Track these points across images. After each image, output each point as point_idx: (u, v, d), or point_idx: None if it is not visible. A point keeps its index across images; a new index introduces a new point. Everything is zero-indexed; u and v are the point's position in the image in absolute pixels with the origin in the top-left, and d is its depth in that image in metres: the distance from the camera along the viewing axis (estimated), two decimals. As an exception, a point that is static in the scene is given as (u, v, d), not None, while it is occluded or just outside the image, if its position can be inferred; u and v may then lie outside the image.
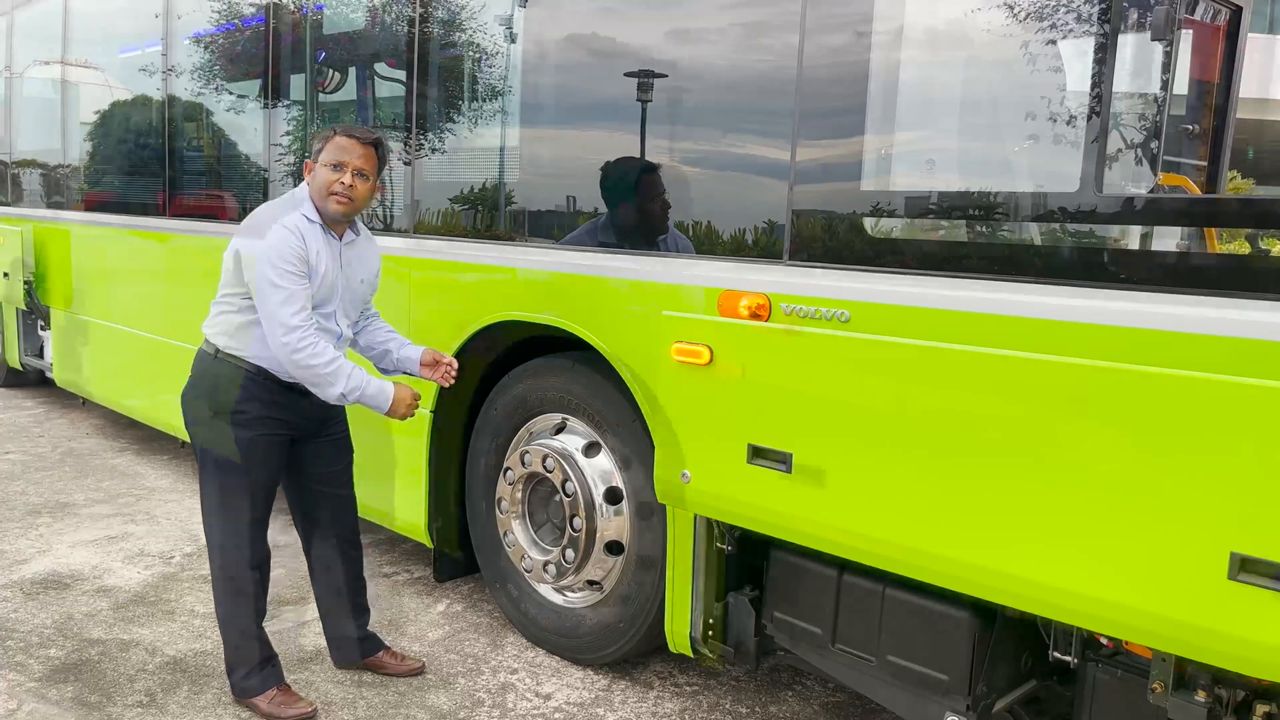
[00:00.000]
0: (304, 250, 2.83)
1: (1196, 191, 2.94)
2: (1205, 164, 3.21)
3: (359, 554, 3.29)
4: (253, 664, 3.03)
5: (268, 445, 2.95)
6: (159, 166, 5.52)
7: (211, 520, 3.00)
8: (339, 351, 2.92)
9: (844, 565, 2.64)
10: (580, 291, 3.23)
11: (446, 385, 3.18)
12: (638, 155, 3.17)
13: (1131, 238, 2.26)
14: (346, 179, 2.86)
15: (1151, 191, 2.53)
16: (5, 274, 6.81)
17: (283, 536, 4.24)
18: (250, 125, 4.96)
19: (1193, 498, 1.92)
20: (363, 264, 3.07)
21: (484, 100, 3.82)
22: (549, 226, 3.49)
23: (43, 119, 6.93)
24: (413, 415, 3.04)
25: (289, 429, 2.99)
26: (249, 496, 2.96)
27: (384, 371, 3.20)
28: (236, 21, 5.01)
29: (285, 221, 2.84)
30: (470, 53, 3.84)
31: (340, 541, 3.22)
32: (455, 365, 3.16)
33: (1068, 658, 2.39)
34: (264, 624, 3.10)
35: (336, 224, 2.94)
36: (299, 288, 2.81)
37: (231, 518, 2.96)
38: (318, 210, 2.90)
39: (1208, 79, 3.21)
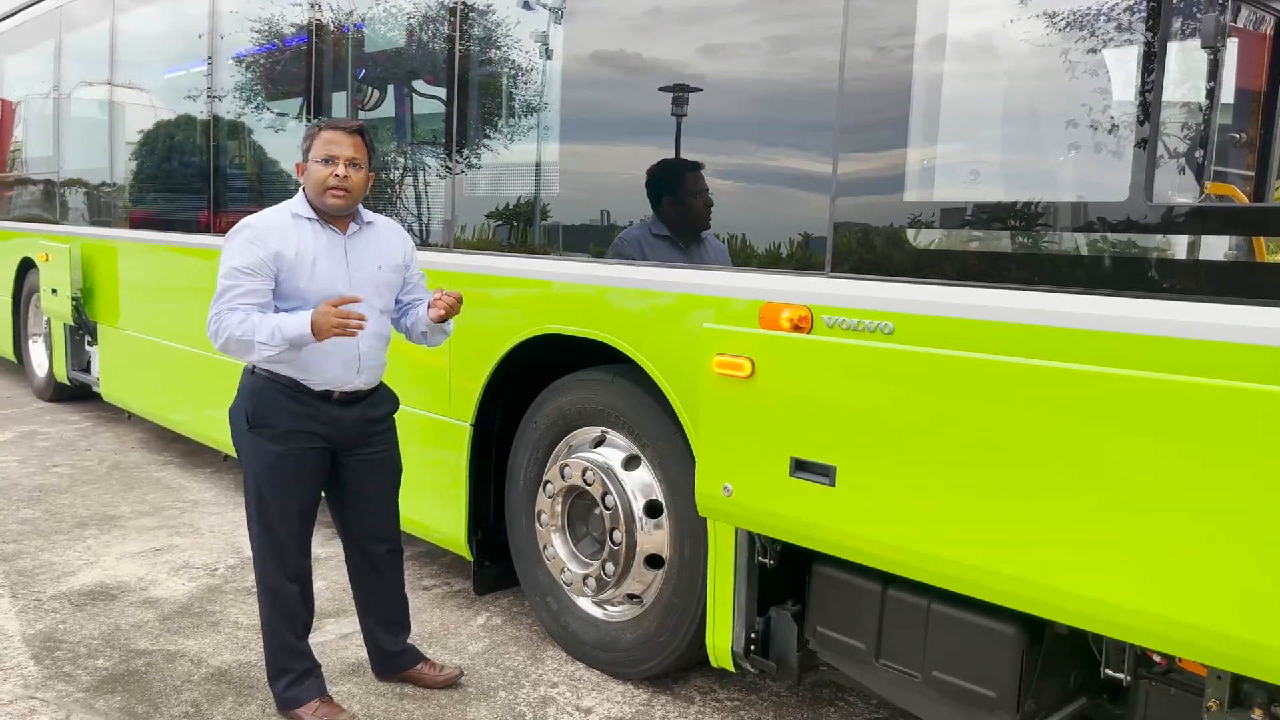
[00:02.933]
0: (260, 247, 2.83)
1: (1245, 200, 2.90)
2: (1253, 173, 3.17)
3: (399, 571, 3.29)
4: (295, 675, 3.05)
5: (300, 458, 2.96)
6: (203, 184, 5.62)
7: (252, 532, 3.03)
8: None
9: (888, 579, 2.61)
10: (620, 304, 3.24)
11: (442, 310, 2.97)
12: (678, 169, 3.18)
13: (1183, 247, 2.23)
14: (340, 170, 2.87)
15: (1200, 200, 2.49)
16: (54, 290, 6.95)
17: (324, 549, 4.29)
18: (292, 143, 5.03)
19: (1249, 511, 1.88)
20: (379, 251, 3.03)
21: (521, 116, 3.84)
22: (587, 240, 3.50)
23: (90, 138, 7.08)
24: (348, 328, 2.75)
25: (323, 441, 2.98)
26: (281, 510, 2.97)
27: (423, 338, 3.15)
28: (279, 41, 5.09)
29: (246, 220, 2.90)
30: (507, 70, 3.87)
31: (380, 558, 3.22)
32: (453, 295, 3.01)
33: (1119, 675, 2.34)
34: (307, 636, 3.12)
35: (338, 218, 2.95)
36: (234, 281, 2.82)
37: (268, 530, 2.98)
38: (314, 207, 2.92)
39: (1254, 87, 3.16)
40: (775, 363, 2.62)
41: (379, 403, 3.10)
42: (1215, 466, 1.92)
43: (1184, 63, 2.49)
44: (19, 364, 8.40)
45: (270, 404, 2.92)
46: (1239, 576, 1.90)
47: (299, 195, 2.98)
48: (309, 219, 2.92)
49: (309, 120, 4.83)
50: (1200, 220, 2.20)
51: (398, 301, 3.16)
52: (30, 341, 8.12)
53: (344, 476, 3.09)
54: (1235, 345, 2.02)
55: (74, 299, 6.78)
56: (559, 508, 3.53)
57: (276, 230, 2.88)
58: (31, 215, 8.03)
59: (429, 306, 3.04)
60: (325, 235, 2.93)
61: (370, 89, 4.72)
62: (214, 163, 5.55)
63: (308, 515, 3.04)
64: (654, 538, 3.27)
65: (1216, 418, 1.91)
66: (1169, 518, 1.97)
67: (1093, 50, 2.35)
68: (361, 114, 4.72)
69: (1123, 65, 2.32)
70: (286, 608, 3.03)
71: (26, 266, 7.84)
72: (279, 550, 3.00)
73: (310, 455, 2.98)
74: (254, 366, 2.95)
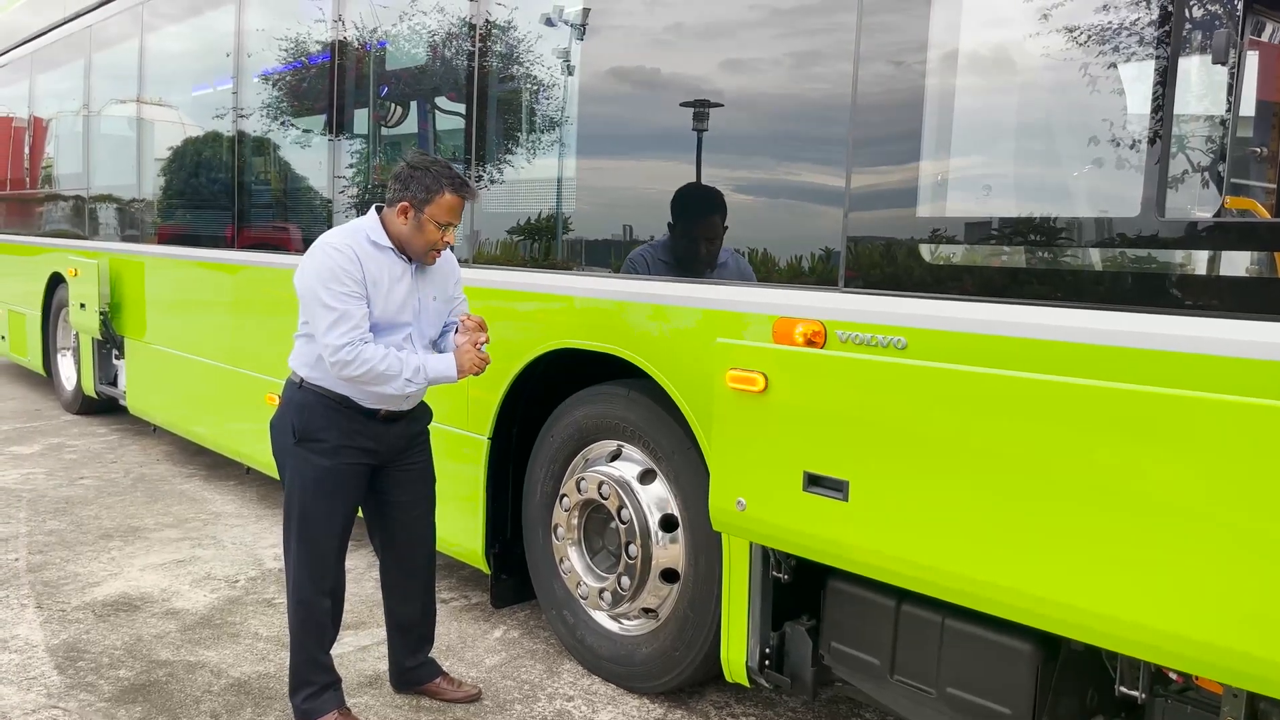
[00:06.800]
0: (357, 270, 2.85)
1: (1265, 215, 2.88)
2: (1274, 187, 3.14)
3: (432, 580, 3.31)
4: (316, 688, 3.07)
5: (347, 473, 2.99)
6: (229, 200, 5.69)
7: (289, 545, 3.05)
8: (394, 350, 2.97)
9: (903, 595, 2.60)
10: (636, 319, 3.25)
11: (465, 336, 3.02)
12: (694, 185, 3.19)
13: (1200, 261, 2.21)
14: (449, 238, 2.94)
15: (1217, 215, 2.48)
16: (82, 305, 7.05)
17: (347, 560, 4.31)
18: (316, 159, 5.10)
19: (1267, 530, 1.86)
20: (436, 283, 3.08)
21: (541, 132, 3.88)
22: (605, 256, 3.52)
23: (118, 155, 7.19)
24: (482, 366, 2.98)
25: (370, 457, 3.02)
26: (326, 524, 3.01)
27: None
28: (303, 59, 5.17)
29: (334, 243, 2.88)
30: (528, 86, 3.91)
31: (415, 570, 3.25)
32: (475, 319, 3.04)
33: (1135, 693, 2.32)
34: (331, 649, 3.14)
35: None
36: (351, 307, 2.82)
37: (308, 544, 3.01)
38: (390, 236, 2.92)
39: (1275, 100, 3.14)
40: (788, 377, 2.62)
41: (419, 417, 3.15)
42: (1232, 484, 1.90)
43: (1203, 76, 2.49)
44: (48, 377, 8.52)
45: (320, 419, 2.95)
46: (1257, 595, 1.88)
47: (372, 220, 2.96)
48: (387, 248, 2.93)
49: (332, 136, 4.89)
50: (1217, 235, 2.19)
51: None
52: (59, 355, 8.24)
53: (383, 487, 3.12)
54: (1257, 362, 2.01)
55: (102, 313, 6.87)
56: (575, 521, 3.54)
57: (364, 255, 2.88)
58: (61, 231, 8.16)
59: (455, 332, 3.07)
60: (399, 265, 2.96)
61: (392, 105, 4.78)
62: (239, 179, 5.62)
63: (348, 528, 3.08)
64: (669, 552, 3.27)
65: (1233, 435, 1.90)
66: (1186, 535, 1.96)
67: (1108, 65, 2.35)
68: (383, 130, 4.78)
69: (1136, 79, 2.31)
70: (317, 622, 3.06)
71: (56, 281, 7.97)
72: (319, 564, 3.03)
73: (356, 470, 3.01)
74: (302, 380, 2.98)
